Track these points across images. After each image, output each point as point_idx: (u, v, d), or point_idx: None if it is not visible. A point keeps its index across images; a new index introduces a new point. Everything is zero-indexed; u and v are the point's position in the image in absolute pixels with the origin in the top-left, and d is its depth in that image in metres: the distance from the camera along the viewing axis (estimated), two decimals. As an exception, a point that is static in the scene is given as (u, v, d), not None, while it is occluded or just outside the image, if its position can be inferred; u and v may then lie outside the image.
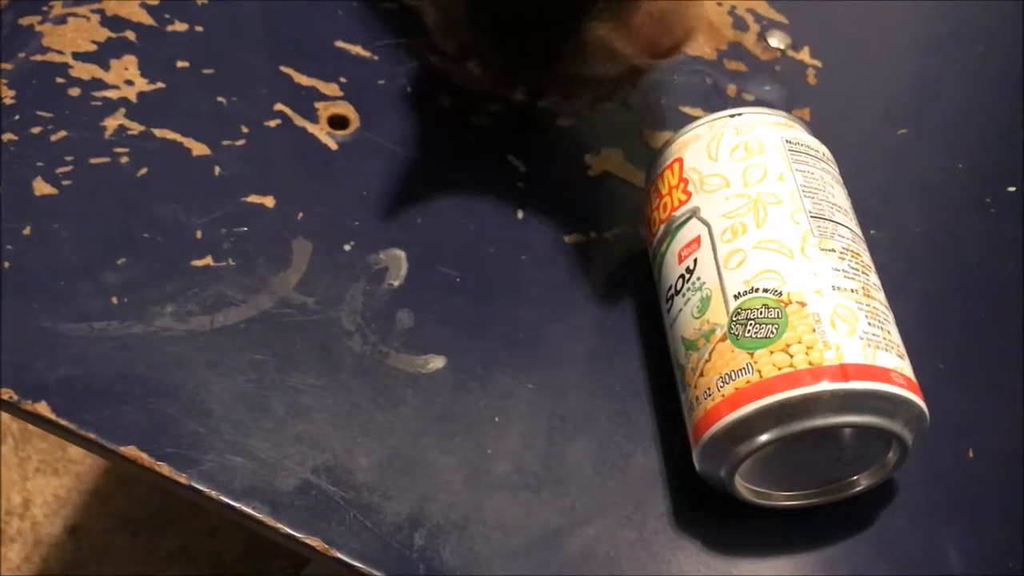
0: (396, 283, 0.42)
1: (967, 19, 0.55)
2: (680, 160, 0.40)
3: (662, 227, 0.39)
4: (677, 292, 0.37)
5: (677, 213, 0.39)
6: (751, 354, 0.34)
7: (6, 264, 0.40)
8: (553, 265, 0.44)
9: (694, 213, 0.38)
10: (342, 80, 0.47)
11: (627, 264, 0.44)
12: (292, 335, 0.40)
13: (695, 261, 0.37)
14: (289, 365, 0.39)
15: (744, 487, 0.36)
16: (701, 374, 0.35)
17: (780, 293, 0.35)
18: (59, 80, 0.45)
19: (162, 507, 0.81)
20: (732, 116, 0.40)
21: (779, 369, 0.33)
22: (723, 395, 0.34)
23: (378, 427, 0.38)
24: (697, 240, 0.37)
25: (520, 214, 0.45)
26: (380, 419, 0.38)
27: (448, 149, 0.46)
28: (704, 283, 0.36)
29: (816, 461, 0.36)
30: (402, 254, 0.43)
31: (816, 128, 0.41)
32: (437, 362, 0.40)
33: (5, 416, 0.87)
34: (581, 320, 0.42)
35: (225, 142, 0.45)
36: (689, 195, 0.39)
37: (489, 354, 0.41)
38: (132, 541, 0.81)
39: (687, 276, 0.37)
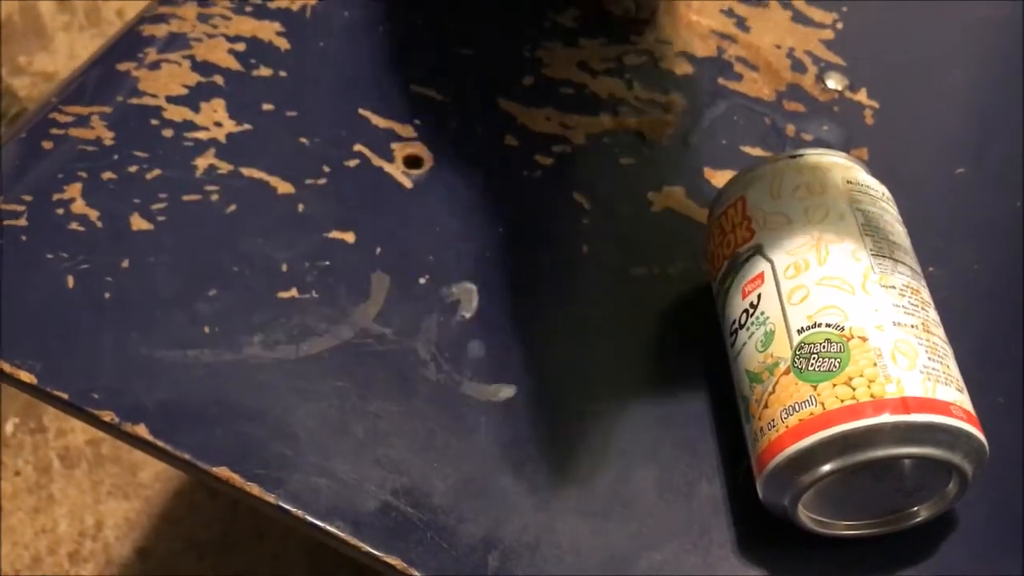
0: (468, 315, 0.44)
1: None
2: (743, 198, 0.41)
3: (726, 263, 0.41)
4: (741, 326, 0.39)
5: (741, 250, 0.40)
6: (814, 387, 0.35)
7: (106, 295, 0.43)
8: (617, 299, 0.45)
9: (758, 250, 0.40)
10: (416, 122, 0.50)
11: (689, 298, 0.45)
12: (371, 364, 0.42)
13: (759, 296, 0.39)
14: (369, 392, 0.41)
15: (807, 516, 0.37)
16: (765, 406, 0.37)
17: (842, 328, 0.36)
18: (154, 122, 0.48)
19: (228, 531, 0.83)
20: (793, 157, 0.41)
21: (842, 401, 0.35)
22: (787, 426, 0.35)
23: (453, 452, 0.40)
24: (761, 276, 0.39)
25: (585, 249, 0.47)
26: (455, 445, 0.40)
27: (515, 187, 0.49)
28: (768, 318, 0.38)
29: (877, 492, 0.37)
30: (473, 287, 0.45)
31: (874, 168, 0.43)
32: (508, 391, 0.42)
33: (79, 441, 0.90)
34: (645, 352, 0.44)
35: (308, 180, 0.47)
36: (753, 232, 0.40)
37: (557, 384, 0.42)
38: (199, 563, 0.83)
39: (751, 311, 0.39)
